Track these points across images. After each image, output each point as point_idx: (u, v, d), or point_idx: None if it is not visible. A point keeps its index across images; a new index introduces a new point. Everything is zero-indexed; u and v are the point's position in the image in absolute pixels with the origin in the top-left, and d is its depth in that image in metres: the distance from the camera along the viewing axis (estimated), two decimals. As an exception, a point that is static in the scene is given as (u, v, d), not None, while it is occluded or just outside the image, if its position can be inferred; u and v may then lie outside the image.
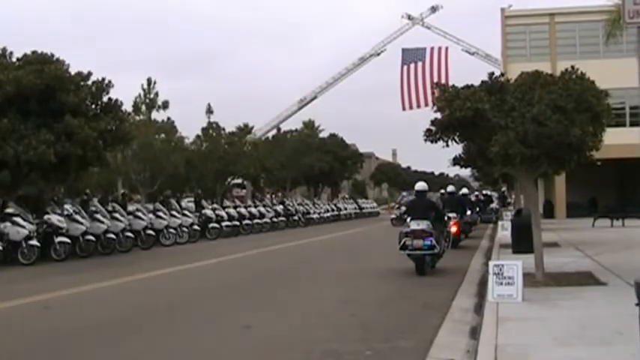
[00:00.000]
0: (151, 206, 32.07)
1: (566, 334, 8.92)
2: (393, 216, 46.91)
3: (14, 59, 26.93)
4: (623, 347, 8.09)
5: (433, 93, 13.96)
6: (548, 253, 15.83)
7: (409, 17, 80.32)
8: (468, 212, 29.07)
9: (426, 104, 54.21)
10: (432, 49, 59.48)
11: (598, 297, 11.76)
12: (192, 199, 42.41)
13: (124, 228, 26.40)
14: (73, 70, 26.77)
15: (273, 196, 52.61)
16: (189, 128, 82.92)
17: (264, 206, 42.77)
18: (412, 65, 58.30)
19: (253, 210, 40.32)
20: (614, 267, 15.31)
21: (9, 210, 23.06)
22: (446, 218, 21.32)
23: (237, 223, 37.05)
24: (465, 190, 35.56)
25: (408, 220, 17.90)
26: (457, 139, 13.98)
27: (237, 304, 13.72)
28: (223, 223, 35.46)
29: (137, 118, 47.50)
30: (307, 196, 70.42)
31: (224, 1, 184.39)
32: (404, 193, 50.17)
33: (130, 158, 42.71)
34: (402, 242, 17.28)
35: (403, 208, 46.10)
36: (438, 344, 9.42)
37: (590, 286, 13.01)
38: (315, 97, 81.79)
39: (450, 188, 30.78)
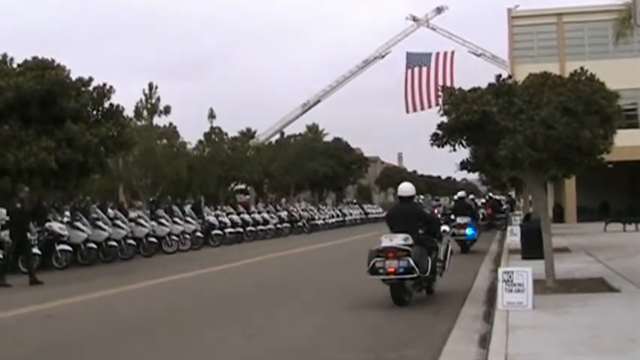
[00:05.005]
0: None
1: (577, 342, 8.72)
2: None
3: (15, 65, 26.90)
4: (636, 355, 7.96)
5: (439, 96, 13.73)
6: (558, 258, 15.65)
7: (414, 19, 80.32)
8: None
9: (430, 106, 54.02)
10: (438, 54, 59.22)
11: (610, 304, 11.55)
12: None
13: (125, 235, 26.21)
14: (73, 76, 26.76)
15: (271, 202, 52.20)
16: (191, 133, 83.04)
17: (267, 212, 42.54)
18: (416, 69, 58.08)
19: (257, 216, 40.09)
20: (626, 273, 15.05)
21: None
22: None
23: (241, 229, 36.85)
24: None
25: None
26: (464, 143, 13.74)
27: (242, 312, 13.56)
28: (226, 230, 35.30)
29: (139, 123, 47.36)
30: (312, 201, 70.17)
31: (225, 3, 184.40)
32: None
33: (132, 164, 42.61)
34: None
35: None
36: (446, 353, 9.25)
37: (602, 293, 12.78)
38: (318, 101, 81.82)
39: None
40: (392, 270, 12.95)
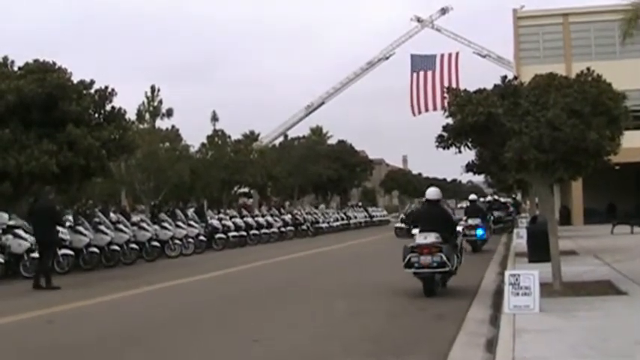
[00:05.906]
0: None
1: (585, 345, 8.63)
2: (398, 225, 46.34)
3: (16, 68, 26.84)
4: (644, 358, 7.86)
5: (444, 98, 13.63)
6: (565, 261, 15.53)
7: (418, 20, 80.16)
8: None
9: (435, 108, 53.89)
10: (442, 56, 59.02)
11: (618, 307, 11.46)
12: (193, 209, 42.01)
13: (128, 239, 26.03)
14: (75, 79, 26.68)
15: (275, 205, 52.01)
16: (194, 136, 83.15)
17: (271, 215, 42.35)
18: (422, 73, 57.92)
19: (260, 220, 39.90)
20: (634, 275, 14.92)
21: (11, 222, 22.71)
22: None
23: (245, 233, 36.69)
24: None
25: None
26: (470, 145, 13.69)
27: (245, 317, 13.45)
28: (230, 234, 35.13)
29: (141, 126, 47.37)
30: (316, 204, 69.99)
31: (227, 6, 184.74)
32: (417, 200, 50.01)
33: (134, 168, 42.52)
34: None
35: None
36: (452, 358, 9.16)
37: (609, 296, 12.68)
38: (322, 103, 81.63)
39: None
40: (426, 264, 14.66)
